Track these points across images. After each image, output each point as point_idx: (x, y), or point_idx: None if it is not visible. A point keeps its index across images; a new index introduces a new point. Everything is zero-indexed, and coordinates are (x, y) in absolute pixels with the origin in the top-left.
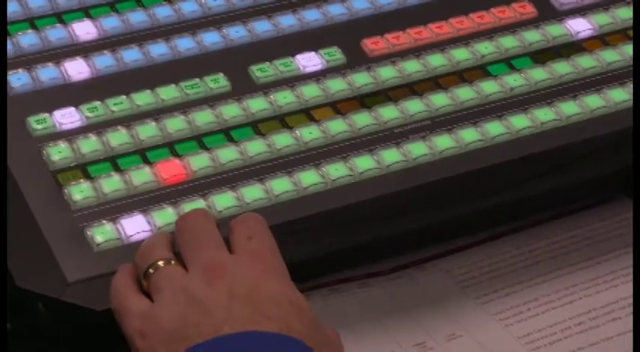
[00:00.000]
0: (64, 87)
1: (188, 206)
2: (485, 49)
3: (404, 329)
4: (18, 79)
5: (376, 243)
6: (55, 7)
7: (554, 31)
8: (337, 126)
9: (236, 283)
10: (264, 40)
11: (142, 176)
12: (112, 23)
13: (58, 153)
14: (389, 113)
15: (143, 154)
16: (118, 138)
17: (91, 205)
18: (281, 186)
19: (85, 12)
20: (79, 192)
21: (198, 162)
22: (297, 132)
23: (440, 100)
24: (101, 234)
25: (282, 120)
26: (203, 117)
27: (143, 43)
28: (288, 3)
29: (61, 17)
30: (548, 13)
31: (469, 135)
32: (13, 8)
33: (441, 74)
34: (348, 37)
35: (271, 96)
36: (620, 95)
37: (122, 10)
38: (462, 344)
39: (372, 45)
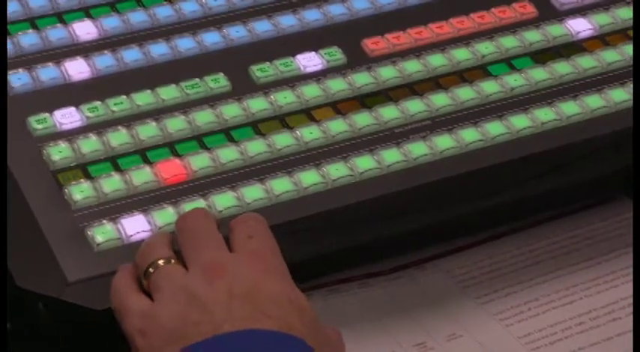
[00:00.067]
0: (64, 87)
1: (188, 206)
2: (485, 49)
3: (404, 329)
4: (18, 79)
5: (376, 243)
6: (56, 6)
7: (555, 31)
8: (337, 126)
9: (236, 282)
10: (264, 40)
11: (142, 176)
12: (112, 23)
13: (59, 153)
14: (389, 113)
15: (143, 154)
16: (119, 138)
17: (91, 205)
18: (281, 186)
19: (86, 12)
20: (80, 191)
21: (199, 162)
22: (297, 132)
23: (440, 100)
24: (101, 233)
25: (283, 120)
26: (203, 117)
27: (143, 43)
28: (289, 3)
29: (61, 17)
30: (548, 13)
31: (469, 135)
32: (13, 8)
33: (441, 74)
34: (348, 37)
35: (271, 96)
36: (620, 95)
37: (122, 10)
38: (462, 344)
39: (373, 45)
